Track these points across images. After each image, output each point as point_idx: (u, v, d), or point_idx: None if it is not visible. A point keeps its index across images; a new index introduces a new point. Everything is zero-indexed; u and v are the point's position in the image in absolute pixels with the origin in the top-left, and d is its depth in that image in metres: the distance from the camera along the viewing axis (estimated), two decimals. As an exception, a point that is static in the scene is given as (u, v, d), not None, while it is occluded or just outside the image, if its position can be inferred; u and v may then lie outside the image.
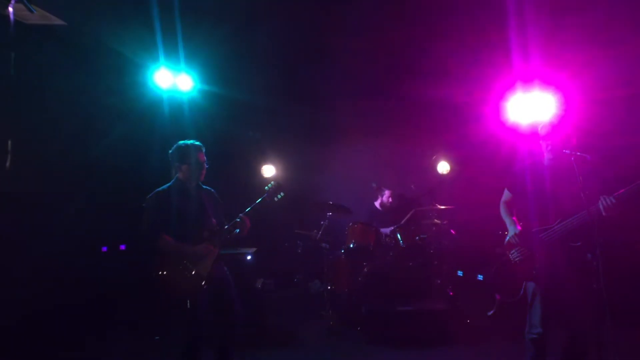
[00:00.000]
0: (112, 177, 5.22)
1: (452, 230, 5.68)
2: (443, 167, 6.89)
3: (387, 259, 5.21)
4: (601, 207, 2.61)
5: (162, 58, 5.16)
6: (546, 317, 2.89)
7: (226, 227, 3.15)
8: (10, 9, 1.89)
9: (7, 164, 1.77)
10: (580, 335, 2.84)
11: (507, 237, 3.10)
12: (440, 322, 4.39)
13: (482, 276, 3.29)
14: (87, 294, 4.60)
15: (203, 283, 2.97)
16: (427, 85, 5.75)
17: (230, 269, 3.36)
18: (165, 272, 2.94)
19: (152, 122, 5.46)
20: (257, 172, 6.83)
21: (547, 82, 5.19)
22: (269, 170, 6.89)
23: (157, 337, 4.44)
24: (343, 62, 5.75)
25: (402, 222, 5.48)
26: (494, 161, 6.19)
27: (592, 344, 2.75)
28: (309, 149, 6.61)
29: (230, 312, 3.15)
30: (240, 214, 3.15)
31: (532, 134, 4.96)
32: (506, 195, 3.27)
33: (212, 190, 3.40)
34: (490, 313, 3.20)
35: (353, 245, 5.16)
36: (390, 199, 6.02)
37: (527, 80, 5.25)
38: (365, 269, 5.10)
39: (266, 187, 3.25)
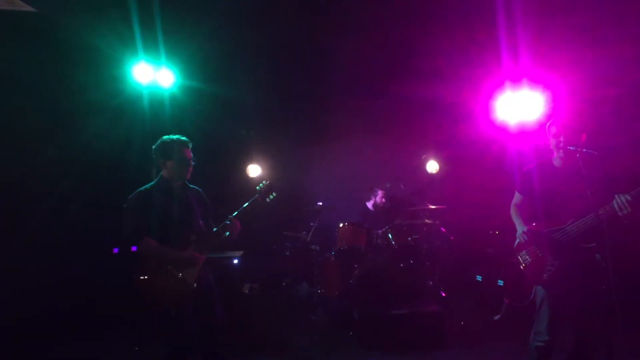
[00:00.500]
0: (89, 176, 4.93)
1: (442, 229, 5.58)
2: (432, 166, 6.84)
3: (378, 260, 5.06)
4: (616, 206, 2.51)
5: (141, 52, 4.88)
6: (554, 324, 2.77)
7: (215, 230, 2.92)
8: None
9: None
10: (588, 340, 2.73)
11: (517, 239, 3.00)
12: (434, 324, 4.25)
13: (502, 282, 3.16)
14: (60, 299, 4.32)
15: (191, 291, 2.74)
16: (417, 84, 5.67)
17: (215, 273, 3.14)
18: (147, 278, 2.70)
19: (132, 119, 5.19)
20: (243, 172, 6.60)
21: (536, 81, 5.18)
22: (254, 170, 6.66)
23: (136, 348, 4.17)
24: (332, 61, 5.63)
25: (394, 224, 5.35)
26: (484, 160, 6.22)
27: (599, 349, 2.65)
28: (296, 148, 6.43)
29: (212, 322, 2.92)
30: (230, 216, 2.93)
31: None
32: (517, 197, 3.18)
33: (200, 189, 3.18)
34: (497, 317, 3.08)
35: (344, 246, 5.00)
36: (383, 200, 5.91)
37: (516, 79, 5.23)
38: (356, 271, 4.95)
39: (257, 188, 3.04)
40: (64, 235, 4.64)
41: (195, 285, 2.78)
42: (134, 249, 2.75)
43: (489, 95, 5.49)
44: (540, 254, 2.83)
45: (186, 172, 2.98)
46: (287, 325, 4.89)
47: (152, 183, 2.98)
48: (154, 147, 2.99)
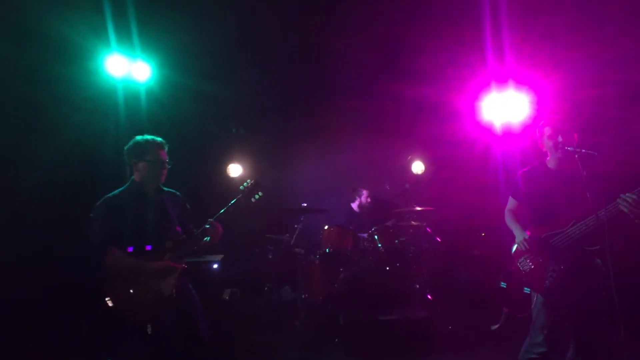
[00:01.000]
0: (57, 176, 4.59)
1: (428, 230, 5.47)
2: (418, 167, 6.74)
3: (364, 263, 4.90)
4: (624, 205, 2.40)
5: (114, 42, 4.58)
6: (553, 335, 2.64)
7: (193, 235, 2.68)
8: None
9: None
10: (589, 347, 2.62)
11: (515, 245, 2.88)
12: (422, 330, 4.12)
13: (505, 284, 3.04)
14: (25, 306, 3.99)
15: (168, 303, 2.49)
16: (402, 84, 5.62)
17: (194, 279, 2.90)
18: (117, 294, 2.45)
19: (105, 115, 4.86)
20: (223, 172, 6.33)
21: (521, 81, 5.15)
22: (235, 170, 6.40)
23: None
24: (318, 60, 5.50)
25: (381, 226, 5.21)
26: (470, 161, 6.16)
27: (600, 355, 2.55)
28: (279, 147, 6.22)
29: (195, 337, 2.68)
30: (210, 220, 2.68)
31: (525, 134, 4.86)
32: (511, 203, 3.07)
33: (177, 193, 2.94)
34: (495, 327, 2.94)
35: (329, 249, 4.82)
36: (369, 199, 5.77)
37: (502, 80, 5.20)
38: (342, 275, 4.79)
39: (241, 187, 2.78)
40: (22, 241, 4.28)
41: (173, 296, 2.53)
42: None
43: (475, 96, 5.45)
44: (540, 261, 2.72)
45: (160, 175, 2.73)
46: (269, 331, 4.67)
47: (122, 188, 2.72)
48: (126, 147, 2.74)
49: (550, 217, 2.73)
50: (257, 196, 2.75)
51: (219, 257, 4.48)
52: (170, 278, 2.55)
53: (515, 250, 2.88)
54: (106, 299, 2.44)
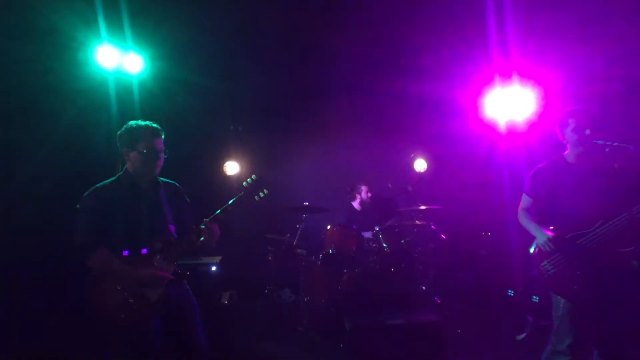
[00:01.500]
0: (48, 171, 4.34)
1: (432, 226, 5.27)
2: (420, 165, 6.54)
3: (369, 265, 4.69)
4: None
5: (104, 33, 4.33)
6: (579, 343, 2.45)
7: (186, 236, 2.43)
8: None
9: None
10: (615, 357, 2.43)
11: (534, 246, 2.69)
12: (433, 335, 3.91)
13: (537, 298, 2.84)
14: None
15: (154, 311, 2.26)
16: (405, 81, 5.47)
17: (191, 283, 2.67)
18: (101, 298, 2.21)
19: (96, 109, 4.60)
20: (219, 170, 6.08)
21: (526, 77, 4.99)
22: (232, 168, 6.16)
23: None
24: (320, 56, 5.30)
25: (386, 226, 5.00)
26: (474, 158, 6.00)
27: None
28: (278, 145, 5.99)
29: (191, 346, 2.44)
30: (206, 219, 2.43)
31: (532, 129, 4.68)
32: (525, 201, 2.87)
33: (176, 184, 2.68)
34: (520, 337, 2.75)
35: (332, 250, 4.60)
36: (369, 194, 5.54)
37: (506, 75, 5.03)
38: (345, 277, 4.57)
39: (244, 183, 2.52)
40: (12, 237, 4.03)
41: (159, 302, 2.29)
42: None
43: (479, 92, 5.26)
44: (566, 263, 2.52)
45: (155, 167, 2.47)
46: (270, 337, 4.43)
47: (112, 179, 2.48)
48: (118, 133, 2.49)
49: (573, 216, 2.55)
50: (261, 194, 2.48)
51: (217, 258, 4.24)
52: (158, 283, 2.31)
53: (535, 252, 2.69)
54: (90, 301, 2.20)
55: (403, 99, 5.82)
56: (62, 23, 4.30)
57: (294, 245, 4.78)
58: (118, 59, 4.52)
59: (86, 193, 2.38)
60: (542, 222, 2.70)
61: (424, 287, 4.86)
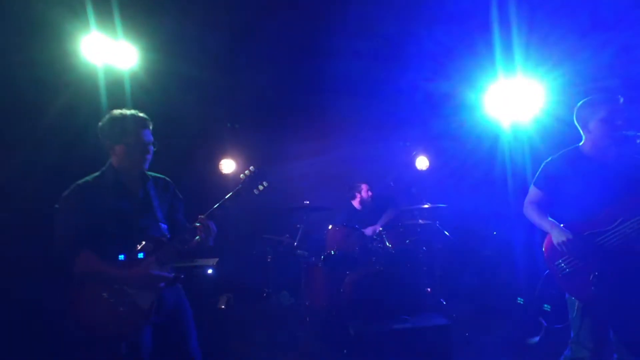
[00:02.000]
0: (35, 165, 4.08)
1: (441, 228, 5.10)
2: (422, 162, 6.39)
3: (372, 266, 4.49)
4: None
5: (93, 22, 4.08)
6: (602, 349, 2.26)
7: (180, 235, 2.20)
8: None
9: None
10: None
11: (547, 244, 2.48)
12: (441, 340, 3.72)
13: (522, 299, 2.65)
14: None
15: (145, 318, 2.03)
16: (406, 77, 5.27)
17: (186, 287, 2.44)
18: (85, 307, 1.98)
19: (85, 102, 4.35)
20: (215, 168, 5.84)
21: (531, 73, 4.84)
22: (228, 166, 5.93)
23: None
24: (318, 50, 4.99)
25: (384, 222, 4.82)
26: (477, 156, 5.86)
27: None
28: (276, 142, 5.76)
29: (184, 354, 2.23)
30: (201, 216, 2.21)
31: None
32: (534, 194, 2.63)
33: (166, 179, 2.45)
34: (533, 341, 2.56)
35: (334, 251, 4.39)
36: (369, 193, 5.35)
37: (510, 71, 4.86)
38: (347, 279, 4.36)
39: (242, 175, 2.30)
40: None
41: (152, 309, 2.06)
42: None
43: (482, 89, 5.12)
44: (582, 263, 2.32)
45: (143, 160, 2.24)
46: (270, 343, 4.20)
47: (95, 174, 2.24)
48: (100, 124, 2.25)
49: (590, 212, 2.36)
50: (261, 187, 2.26)
51: (214, 261, 4.00)
52: (150, 287, 2.08)
53: (548, 250, 2.48)
54: (73, 310, 1.97)
55: (405, 96, 5.64)
56: (48, 11, 4.06)
57: (294, 246, 4.56)
58: (108, 50, 4.27)
59: (66, 191, 2.15)
60: (556, 217, 2.51)
61: (429, 289, 4.68)
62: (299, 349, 4.09)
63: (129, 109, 4.49)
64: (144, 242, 2.10)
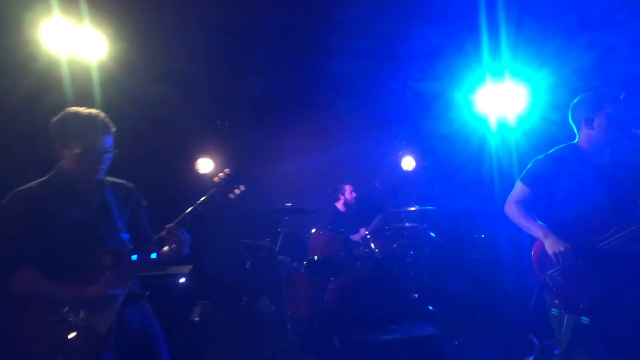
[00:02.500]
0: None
1: (427, 230, 4.94)
2: (408, 163, 6.22)
3: (358, 272, 4.27)
4: None
5: (56, 7, 3.73)
6: None
7: (145, 246, 1.91)
8: None
9: None
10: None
11: (536, 251, 2.28)
12: (430, 350, 3.53)
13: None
14: None
15: (103, 345, 1.74)
16: (392, 77, 5.18)
17: (155, 299, 2.16)
18: (28, 335, 1.68)
19: (45, 97, 3.97)
20: (191, 168, 5.51)
21: (518, 73, 4.81)
22: (206, 165, 5.60)
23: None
24: (302, 47, 4.79)
25: (371, 225, 4.64)
26: (464, 157, 5.76)
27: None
28: (257, 140, 5.47)
29: None
30: (169, 224, 1.92)
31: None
32: (521, 191, 2.40)
33: (128, 184, 2.16)
34: None
35: (318, 257, 4.16)
36: (353, 194, 5.15)
37: (498, 71, 4.82)
38: (332, 285, 4.14)
39: (216, 178, 2.02)
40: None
41: (110, 335, 1.78)
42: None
43: (469, 89, 5.04)
44: (575, 274, 2.13)
45: (95, 171, 1.93)
46: (249, 357, 3.93)
47: (41, 179, 1.92)
48: (52, 121, 1.93)
49: (583, 216, 2.19)
50: (237, 191, 1.99)
51: (187, 268, 3.69)
52: (107, 308, 1.79)
53: (537, 258, 2.28)
54: (13, 337, 1.66)
55: (391, 95, 5.50)
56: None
57: (275, 251, 4.29)
58: (73, 39, 3.91)
59: (5, 198, 1.83)
60: (545, 220, 2.31)
61: (416, 295, 4.51)
62: (280, 361, 3.84)
63: (97, 103, 4.15)
64: (101, 255, 1.81)
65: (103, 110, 2.18)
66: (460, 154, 5.76)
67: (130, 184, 2.15)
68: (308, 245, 4.30)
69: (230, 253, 4.92)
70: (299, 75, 5.23)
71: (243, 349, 4.00)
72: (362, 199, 5.28)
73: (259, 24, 4.57)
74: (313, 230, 4.34)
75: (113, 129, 2.00)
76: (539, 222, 2.29)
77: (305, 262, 4.24)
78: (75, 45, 3.95)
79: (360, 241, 4.42)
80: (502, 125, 5.09)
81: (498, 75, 4.77)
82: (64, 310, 1.73)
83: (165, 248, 1.92)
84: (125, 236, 1.96)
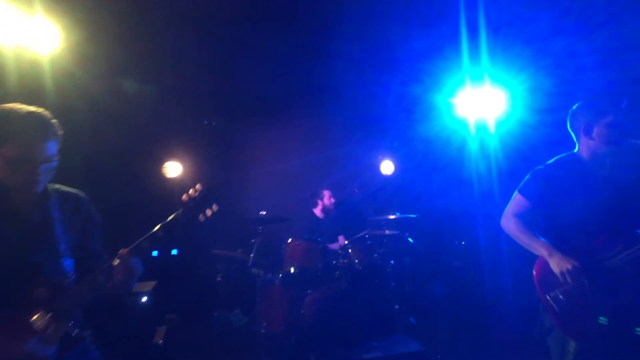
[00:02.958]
0: None
1: (409, 239, 4.78)
2: (387, 167, 6.06)
3: (337, 284, 4.05)
4: None
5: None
6: None
7: (90, 276, 1.58)
8: None
9: None
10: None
11: (538, 270, 2.11)
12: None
13: None
14: None
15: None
16: (371, 80, 5.02)
17: (112, 324, 1.84)
18: None
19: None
20: (157, 172, 5.12)
21: (497, 78, 4.82)
22: (174, 169, 5.23)
23: None
24: (276, 48, 4.55)
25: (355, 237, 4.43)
26: (444, 161, 5.68)
27: None
28: (230, 144, 5.16)
29: None
30: (122, 251, 1.60)
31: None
32: (520, 203, 2.23)
33: (80, 195, 1.81)
34: None
35: (294, 269, 3.90)
36: (332, 199, 4.94)
37: (477, 76, 4.82)
38: (308, 298, 3.91)
39: (185, 197, 1.68)
40: None
41: None
42: None
43: (449, 93, 5.02)
44: (583, 296, 1.97)
45: (36, 178, 1.58)
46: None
47: None
48: None
49: (587, 231, 2.04)
50: (209, 211, 1.68)
51: (150, 285, 3.34)
52: (41, 349, 1.46)
53: (540, 278, 2.12)
54: None
55: (369, 98, 5.36)
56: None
57: (249, 265, 4.00)
58: (21, 28, 3.51)
59: None
60: (546, 236, 2.15)
61: (397, 306, 4.33)
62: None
63: (48, 100, 3.73)
64: (33, 288, 1.48)
65: (56, 108, 1.85)
66: (440, 157, 5.70)
67: (82, 194, 1.80)
68: (284, 256, 4.04)
69: (199, 266, 4.58)
70: (276, 77, 4.97)
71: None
72: (340, 204, 5.08)
73: (233, 18, 4.28)
74: (289, 240, 4.09)
75: (58, 133, 1.66)
76: (541, 238, 2.13)
77: (280, 274, 3.98)
78: (25, 35, 3.56)
79: (339, 251, 4.19)
80: (482, 128, 5.09)
81: (478, 79, 4.75)
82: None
83: (112, 281, 1.58)
84: (67, 262, 1.62)
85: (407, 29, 4.49)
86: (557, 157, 2.25)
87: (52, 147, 1.61)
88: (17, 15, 3.47)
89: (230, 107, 5.06)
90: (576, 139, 2.23)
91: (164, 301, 3.79)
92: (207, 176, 4.97)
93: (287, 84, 5.09)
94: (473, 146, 5.46)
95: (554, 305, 2.02)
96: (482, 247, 5.10)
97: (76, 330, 1.57)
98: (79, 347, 1.59)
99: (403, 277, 4.52)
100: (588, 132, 2.13)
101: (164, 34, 3.88)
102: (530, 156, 4.52)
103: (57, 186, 1.74)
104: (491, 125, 4.97)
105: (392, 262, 4.40)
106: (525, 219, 2.19)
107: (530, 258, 2.20)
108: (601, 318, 1.94)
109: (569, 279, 1.97)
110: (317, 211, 5.00)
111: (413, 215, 4.51)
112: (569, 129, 2.27)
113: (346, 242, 4.21)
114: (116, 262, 1.58)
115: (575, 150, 2.22)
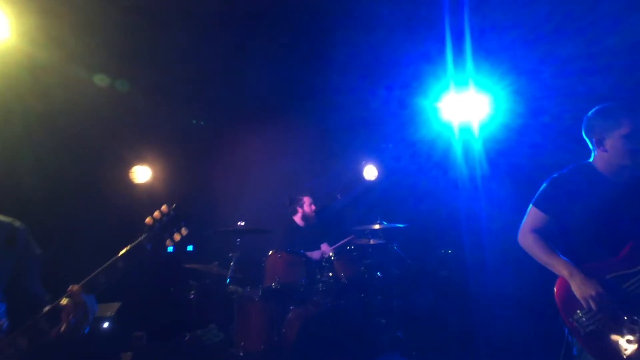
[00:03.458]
0: None
1: (396, 249, 4.61)
2: (370, 172, 5.88)
3: (321, 299, 3.81)
4: None
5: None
6: None
7: (30, 323, 1.26)
8: None
9: None
10: None
11: (560, 291, 1.94)
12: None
13: None
14: None
15: None
16: (354, 84, 4.92)
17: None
18: None
19: None
20: (123, 178, 4.72)
21: (481, 83, 4.85)
22: (143, 174, 4.87)
23: None
24: (255, 50, 4.38)
25: (337, 245, 4.20)
26: (429, 166, 5.59)
27: None
28: (204, 149, 4.83)
29: None
30: (73, 287, 1.29)
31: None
32: (537, 218, 2.09)
33: (15, 225, 1.47)
34: None
35: (275, 284, 3.63)
36: (312, 206, 4.73)
37: (462, 81, 4.86)
38: (290, 315, 3.65)
39: (149, 219, 1.39)
40: None
41: None
42: None
43: (434, 97, 5.01)
44: (611, 320, 1.82)
45: None
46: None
47: None
48: None
49: (610, 246, 1.93)
50: (177, 236, 1.38)
51: (113, 308, 2.96)
52: None
53: (562, 298, 1.96)
54: None
55: (354, 103, 5.21)
56: None
57: (227, 282, 3.69)
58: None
59: None
60: (564, 253, 2.02)
61: (384, 321, 4.14)
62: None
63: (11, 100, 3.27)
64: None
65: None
66: (425, 160, 5.61)
67: (17, 224, 1.46)
68: (264, 269, 3.77)
69: (170, 282, 4.23)
70: (255, 80, 4.75)
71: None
72: (322, 212, 4.86)
73: (208, 21, 3.99)
74: (270, 253, 3.82)
75: None
76: (562, 257, 1.97)
77: (260, 290, 3.70)
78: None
79: (324, 263, 3.95)
80: (466, 130, 5.11)
81: (462, 84, 4.80)
82: None
83: (60, 326, 1.25)
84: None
85: (392, 34, 4.42)
86: (571, 167, 2.13)
87: None
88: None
89: (206, 106, 4.74)
90: (592, 147, 2.10)
91: (130, 325, 3.42)
92: (179, 183, 4.62)
93: (267, 87, 4.90)
94: (458, 148, 5.44)
95: (580, 329, 1.87)
96: (467, 255, 5.02)
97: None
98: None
99: (390, 289, 4.32)
100: (600, 144, 2.02)
101: (131, 23, 3.49)
102: (512, 159, 4.64)
103: None
104: (475, 128, 5.00)
105: (378, 274, 4.20)
106: (544, 234, 2.05)
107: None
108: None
109: (593, 306, 1.81)
110: (297, 219, 4.76)
111: (400, 225, 4.33)
112: (584, 136, 2.12)
113: (331, 254, 3.97)
114: (65, 301, 1.26)
115: (591, 159, 2.10)
